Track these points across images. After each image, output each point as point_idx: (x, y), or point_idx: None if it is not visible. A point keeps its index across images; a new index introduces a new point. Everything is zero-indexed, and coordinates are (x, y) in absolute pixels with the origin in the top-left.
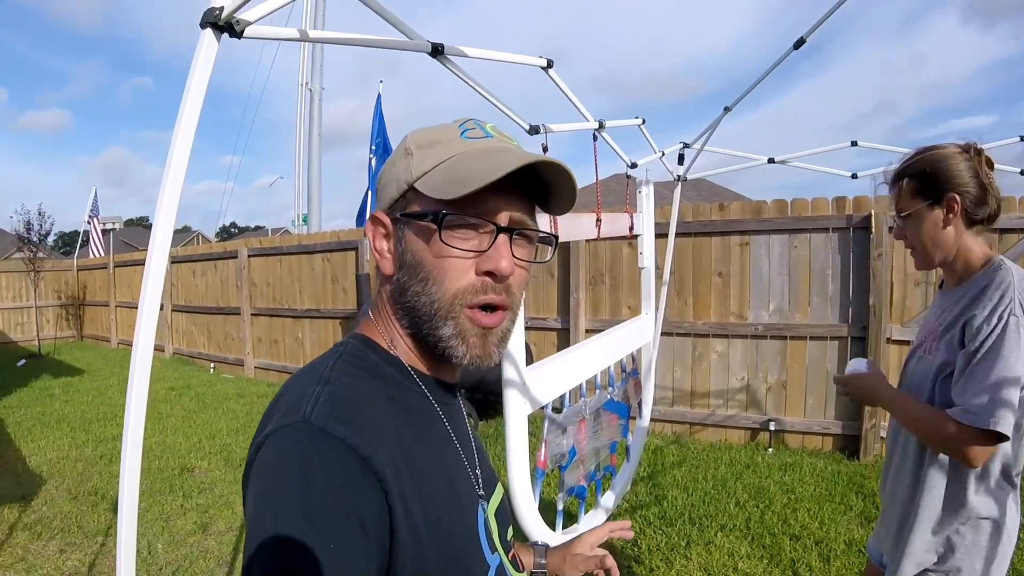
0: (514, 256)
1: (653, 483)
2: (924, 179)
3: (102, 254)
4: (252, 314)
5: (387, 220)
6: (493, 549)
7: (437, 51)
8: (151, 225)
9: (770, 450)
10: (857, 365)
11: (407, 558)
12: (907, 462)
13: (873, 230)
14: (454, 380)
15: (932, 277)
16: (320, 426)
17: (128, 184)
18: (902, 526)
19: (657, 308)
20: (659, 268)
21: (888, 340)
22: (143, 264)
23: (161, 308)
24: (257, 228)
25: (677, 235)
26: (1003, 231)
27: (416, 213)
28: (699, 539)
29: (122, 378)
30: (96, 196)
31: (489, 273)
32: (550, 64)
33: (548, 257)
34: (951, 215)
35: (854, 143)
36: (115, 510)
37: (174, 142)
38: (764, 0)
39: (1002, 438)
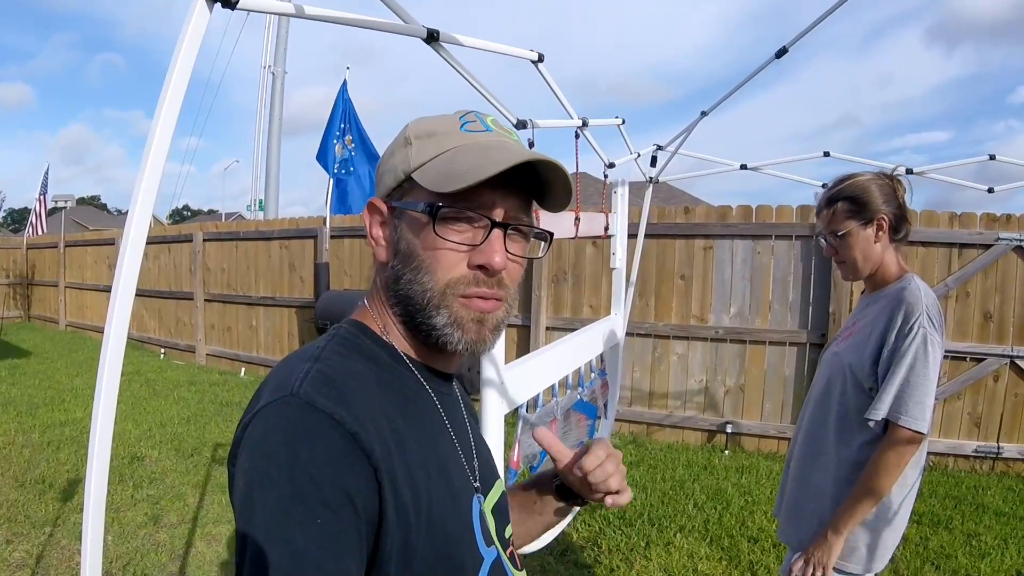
0: (508, 251)
1: None
2: (856, 202)
3: (42, 232)
4: (205, 300)
5: (384, 208)
6: (489, 542)
7: (432, 37)
8: (103, 204)
9: (727, 452)
10: (786, 564)
11: (394, 540)
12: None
13: None
14: (450, 370)
15: None
16: (307, 400)
17: (86, 163)
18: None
19: (624, 313)
20: (627, 271)
21: None
22: (95, 245)
23: (111, 290)
24: (211, 212)
25: (644, 237)
26: (963, 246)
27: (412, 204)
28: (658, 540)
29: (70, 361)
30: (47, 173)
31: (481, 267)
32: (541, 58)
33: (541, 253)
34: (880, 232)
35: (826, 154)
36: (63, 499)
37: (158, 113)
38: (729, 9)
39: (923, 436)
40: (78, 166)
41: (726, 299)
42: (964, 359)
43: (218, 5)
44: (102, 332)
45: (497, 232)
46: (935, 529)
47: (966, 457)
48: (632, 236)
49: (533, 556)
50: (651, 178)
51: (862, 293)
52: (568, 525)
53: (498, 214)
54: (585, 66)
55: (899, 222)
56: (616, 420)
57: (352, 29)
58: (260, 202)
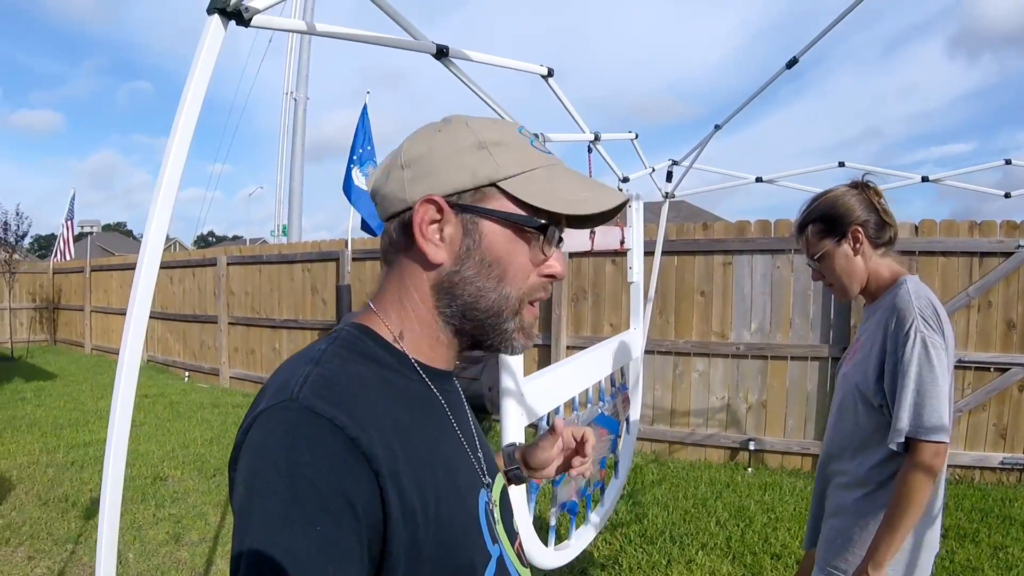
0: None
1: (633, 501)
2: (826, 221)
3: (69, 258)
4: (229, 323)
5: (446, 206)
6: (495, 540)
7: (442, 53)
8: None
9: (750, 469)
10: None
11: (402, 541)
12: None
13: None
14: (451, 367)
15: None
16: (307, 405)
17: (113, 188)
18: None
19: (644, 326)
20: (644, 287)
21: None
22: (120, 269)
23: None
24: (235, 238)
25: (662, 254)
26: (984, 255)
27: (511, 215)
28: (680, 557)
29: (95, 384)
30: (73, 199)
31: (549, 276)
32: (550, 73)
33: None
34: (858, 244)
35: (841, 164)
36: (86, 517)
37: (174, 131)
38: (747, 25)
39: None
40: (105, 192)
41: (746, 315)
42: (988, 369)
43: (232, 23)
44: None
45: (560, 245)
46: (961, 543)
47: (992, 469)
48: (649, 253)
49: (551, 573)
50: (667, 193)
51: (864, 307)
52: (590, 544)
53: (563, 230)
54: (606, 86)
55: (878, 228)
56: (639, 439)
57: (376, 53)
58: (284, 227)
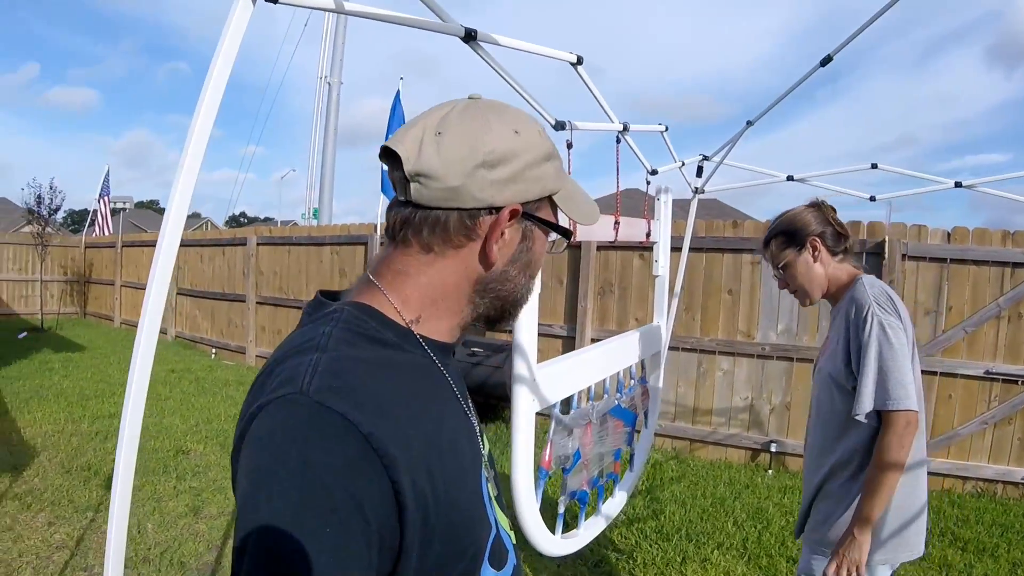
0: None
1: (651, 497)
2: (787, 234)
3: (108, 233)
4: (257, 302)
5: (519, 214)
6: (492, 506)
7: (470, 36)
8: (162, 209)
9: (770, 472)
10: (819, 564)
11: (416, 528)
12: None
13: (886, 256)
14: (454, 340)
15: (943, 309)
16: (319, 400)
17: (147, 167)
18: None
19: (667, 320)
20: (670, 282)
21: None
22: (151, 245)
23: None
24: (267, 220)
25: (690, 250)
26: (1016, 265)
27: (556, 226)
28: (695, 556)
29: (123, 357)
30: (108, 175)
31: None
32: (580, 60)
33: (560, 249)
34: (816, 252)
35: (874, 165)
36: (107, 487)
37: (199, 106)
38: (785, 23)
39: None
40: (139, 170)
41: (773, 315)
42: (1016, 382)
43: (261, 1)
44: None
45: None
46: (980, 556)
47: (1016, 484)
48: (677, 249)
49: (566, 565)
50: (696, 189)
51: (830, 311)
52: (604, 537)
53: None
54: (643, 82)
55: (835, 239)
56: (659, 436)
57: (409, 40)
58: (315, 211)
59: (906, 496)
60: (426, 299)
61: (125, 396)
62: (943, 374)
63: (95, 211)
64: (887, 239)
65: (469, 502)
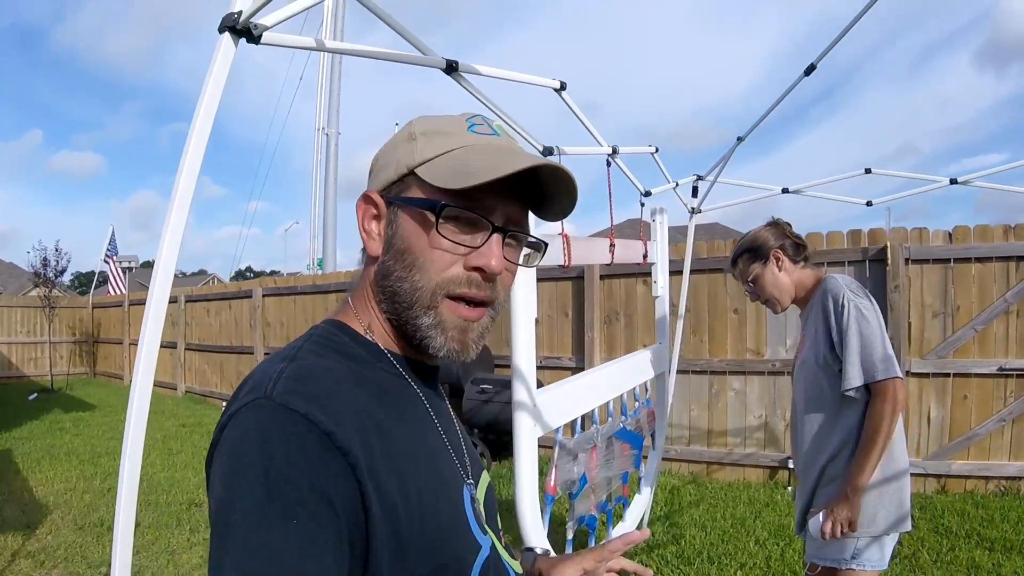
0: (504, 257)
1: (670, 522)
2: (751, 251)
3: (121, 291)
4: (265, 353)
5: (380, 201)
6: (484, 531)
7: (451, 68)
8: None
9: (789, 488)
10: (815, 524)
11: (384, 534)
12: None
13: (889, 262)
14: (435, 363)
15: (951, 309)
16: (281, 402)
17: (153, 228)
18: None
19: (672, 343)
20: (674, 304)
21: (908, 373)
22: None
23: (174, 347)
24: (272, 272)
25: (692, 272)
26: (1020, 259)
27: (415, 199)
28: None
29: None
30: (113, 235)
31: (478, 269)
32: (563, 86)
33: (536, 263)
34: (780, 262)
35: (868, 171)
36: None
37: (187, 147)
38: (774, 46)
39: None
40: (145, 231)
41: (781, 331)
42: None
43: (243, 40)
44: (165, 387)
45: (497, 236)
46: (1008, 555)
47: None
48: (679, 272)
49: None
50: (693, 209)
51: (799, 315)
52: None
53: (499, 219)
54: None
55: (795, 249)
56: (675, 460)
57: (408, 90)
58: (319, 261)
59: (895, 469)
60: (364, 305)
61: (122, 449)
62: (956, 375)
63: (107, 270)
64: (889, 244)
65: (448, 518)
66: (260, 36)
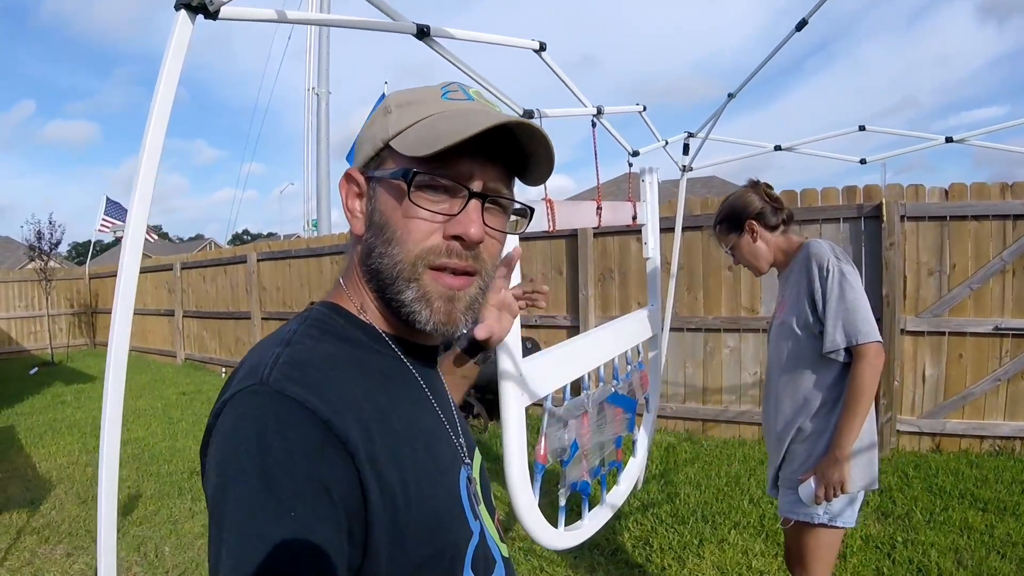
0: (486, 224)
1: (665, 481)
2: (728, 221)
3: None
4: (262, 318)
5: (361, 179)
6: (475, 516)
7: (423, 33)
8: (165, 233)
9: None
10: (806, 490)
11: (383, 526)
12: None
13: (884, 219)
14: (433, 342)
15: (946, 268)
16: (278, 388)
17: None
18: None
19: (665, 301)
20: (667, 262)
21: (902, 331)
22: (153, 271)
23: (172, 314)
24: (270, 235)
25: (686, 229)
26: (1017, 217)
27: (388, 171)
28: (712, 537)
29: (134, 384)
30: (107, 203)
31: (457, 238)
32: (543, 47)
33: (523, 230)
34: (754, 233)
35: (862, 128)
36: (123, 514)
37: (148, 128)
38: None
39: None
40: None
41: (775, 288)
42: None
43: (200, 16)
44: (164, 355)
45: (475, 202)
46: (1001, 516)
47: None
48: (670, 229)
49: (582, 556)
50: (684, 167)
51: (778, 276)
52: (619, 524)
53: (476, 185)
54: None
55: (773, 213)
56: (670, 418)
57: (399, 50)
58: (314, 222)
59: (868, 430)
60: (356, 284)
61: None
62: (951, 333)
63: (99, 243)
64: (884, 201)
65: (445, 503)
66: (217, 12)
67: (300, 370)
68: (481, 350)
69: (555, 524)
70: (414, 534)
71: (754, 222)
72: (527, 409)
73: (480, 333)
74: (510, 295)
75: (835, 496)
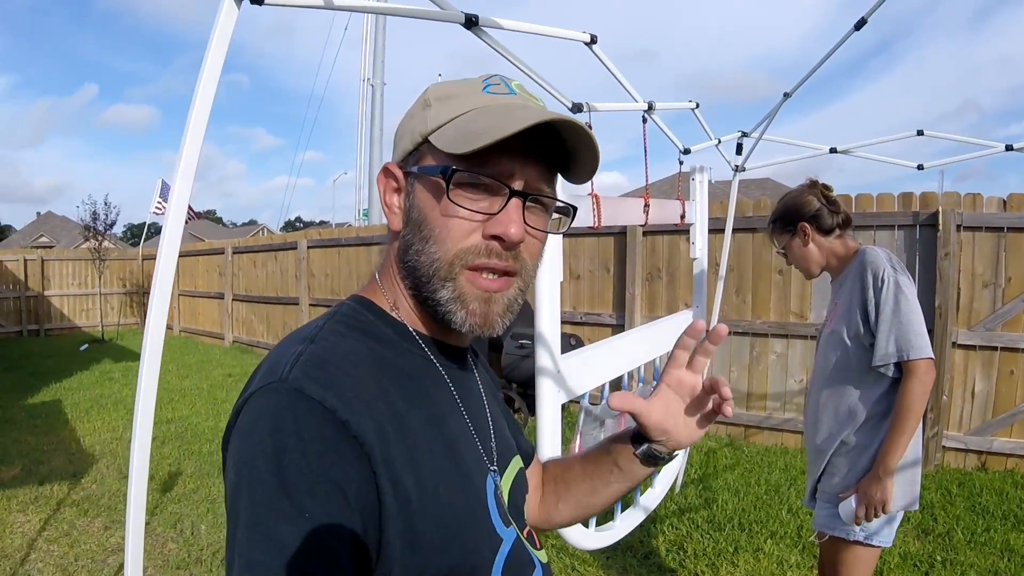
0: (527, 224)
1: (703, 486)
2: (781, 220)
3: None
4: (310, 304)
5: (399, 173)
6: (508, 523)
7: (471, 22)
8: (219, 218)
9: None
10: (846, 508)
11: (397, 526)
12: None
13: (940, 228)
14: (464, 344)
15: (1001, 280)
16: (296, 387)
17: (208, 178)
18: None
19: (712, 303)
20: (716, 263)
21: (953, 344)
22: (208, 254)
23: (222, 297)
24: (322, 223)
25: (736, 231)
26: None
27: (427, 167)
28: (747, 545)
29: (181, 364)
30: (163, 186)
31: (496, 238)
32: (594, 40)
33: (565, 228)
34: (806, 236)
35: (920, 132)
36: (163, 490)
37: (191, 114)
38: None
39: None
40: (200, 182)
41: (826, 294)
42: None
43: (246, 3)
44: (213, 337)
45: (516, 201)
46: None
47: None
48: (719, 230)
49: (615, 557)
50: (736, 166)
51: (831, 283)
52: (654, 527)
53: (517, 183)
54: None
55: (828, 217)
56: (713, 423)
57: (456, 40)
58: (364, 212)
59: (913, 447)
60: (391, 281)
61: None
62: (1004, 349)
63: (153, 224)
64: (940, 210)
65: (467, 511)
66: None
67: (320, 368)
68: (646, 441)
69: (586, 524)
70: (431, 541)
71: (807, 224)
72: (566, 406)
73: (642, 421)
74: (691, 377)
75: (876, 517)
